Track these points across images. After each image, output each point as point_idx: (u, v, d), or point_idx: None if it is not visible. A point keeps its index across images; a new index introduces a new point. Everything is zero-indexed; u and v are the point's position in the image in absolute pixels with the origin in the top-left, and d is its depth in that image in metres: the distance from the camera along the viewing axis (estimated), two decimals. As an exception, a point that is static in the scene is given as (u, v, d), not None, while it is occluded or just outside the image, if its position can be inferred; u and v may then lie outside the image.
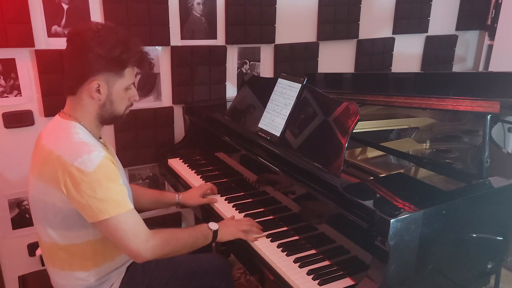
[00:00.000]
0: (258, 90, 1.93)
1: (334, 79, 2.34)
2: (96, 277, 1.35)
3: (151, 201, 1.71)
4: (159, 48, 2.16)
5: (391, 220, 1.10)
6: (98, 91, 1.27)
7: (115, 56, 1.25)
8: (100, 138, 1.39)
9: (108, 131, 2.12)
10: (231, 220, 1.56)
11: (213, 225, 1.46)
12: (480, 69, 3.27)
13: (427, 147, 1.89)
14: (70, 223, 1.27)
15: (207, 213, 1.73)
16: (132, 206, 1.26)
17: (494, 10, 3.18)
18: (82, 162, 1.19)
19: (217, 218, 1.65)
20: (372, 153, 1.78)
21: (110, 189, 1.21)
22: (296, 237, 1.48)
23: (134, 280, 1.43)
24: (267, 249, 1.41)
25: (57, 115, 1.35)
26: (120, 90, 1.31)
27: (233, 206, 1.69)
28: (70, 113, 1.32)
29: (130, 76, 1.32)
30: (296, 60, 2.56)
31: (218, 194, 1.79)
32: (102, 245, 1.32)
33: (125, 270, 1.43)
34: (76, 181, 1.18)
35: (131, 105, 1.39)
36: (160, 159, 2.23)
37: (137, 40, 1.32)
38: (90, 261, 1.33)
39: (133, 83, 1.36)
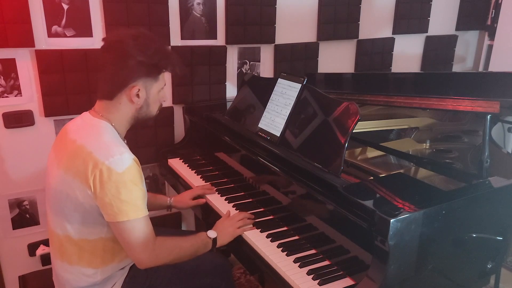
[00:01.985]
0: (258, 90, 1.93)
1: (334, 79, 2.33)
2: (102, 276, 1.37)
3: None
4: (159, 48, 2.16)
5: (391, 220, 1.10)
6: (138, 95, 1.32)
7: (155, 63, 1.31)
8: (124, 140, 1.41)
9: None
10: (225, 221, 1.54)
11: (212, 233, 1.47)
12: (480, 69, 3.27)
13: (427, 147, 1.89)
14: (88, 219, 1.29)
15: (207, 213, 1.73)
16: (147, 213, 1.29)
17: (494, 10, 3.18)
18: (113, 162, 1.22)
19: (217, 217, 1.65)
20: (372, 153, 1.79)
21: (134, 193, 1.24)
22: (296, 237, 1.48)
23: (136, 279, 1.44)
24: (267, 249, 1.42)
25: (87, 113, 1.38)
26: (155, 93, 1.38)
27: (233, 206, 1.69)
28: (102, 113, 1.35)
29: (163, 79, 1.40)
30: (296, 60, 2.56)
31: (218, 194, 1.80)
32: (112, 244, 1.34)
33: (128, 270, 1.44)
34: (104, 180, 1.21)
35: (161, 105, 1.46)
36: (160, 159, 2.23)
37: (168, 47, 1.36)
38: (99, 258, 1.35)
39: (165, 85, 1.42)
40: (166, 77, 2.19)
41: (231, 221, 1.53)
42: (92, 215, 1.28)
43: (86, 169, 1.23)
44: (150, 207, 1.74)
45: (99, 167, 1.21)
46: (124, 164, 1.22)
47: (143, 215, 1.26)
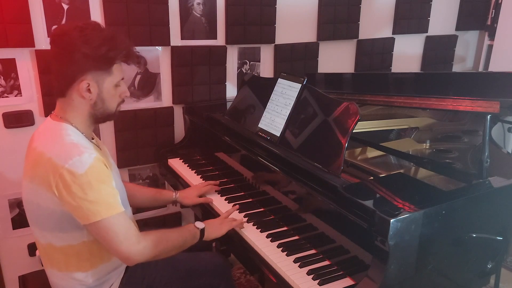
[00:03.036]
0: (258, 90, 1.93)
1: (334, 79, 2.34)
2: (94, 278, 1.35)
3: (149, 199, 1.72)
4: (159, 48, 2.16)
5: (391, 220, 1.10)
6: (89, 90, 1.26)
7: (102, 54, 1.23)
8: (93, 139, 1.38)
9: (108, 131, 2.12)
10: (216, 218, 1.58)
11: (200, 224, 1.48)
12: (480, 69, 3.28)
13: (427, 147, 1.89)
14: (64, 225, 1.26)
15: (207, 213, 1.73)
16: (123, 209, 1.25)
17: (494, 10, 3.18)
18: (73, 164, 1.18)
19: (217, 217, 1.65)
20: (372, 153, 1.79)
21: (101, 191, 1.20)
22: (296, 237, 1.48)
23: (134, 279, 1.43)
24: (267, 249, 1.42)
25: (48, 117, 1.33)
26: (110, 87, 1.30)
27: (233, 206, 1.69)
28: (61, 114, 1.30)
29: (118, 72, 1.31)
30: (296, 60, 2.56)
31: (218, 194, 1.80)
32: (97, 246, 1.31)
33: (124, 270, 1.43)
34: (67, 183, 1.17)
35: (123, 101, 1.39)
36: (160, 159, 2.23)
37: (123, 36, 1.30)
38: (86, 262, 1.33)
39: (123, 79, 1.35)
40: (166, 77, 2.22)
41: (221, 217, 1.57)
42: (67, 220, 1.24)
43: (48, 176, 1.19)
44: (155, 203, 1.76)
45: (59, 172, 1.17)
46: (84, 165, 1.18)
47: (118, 211, 1.21)
